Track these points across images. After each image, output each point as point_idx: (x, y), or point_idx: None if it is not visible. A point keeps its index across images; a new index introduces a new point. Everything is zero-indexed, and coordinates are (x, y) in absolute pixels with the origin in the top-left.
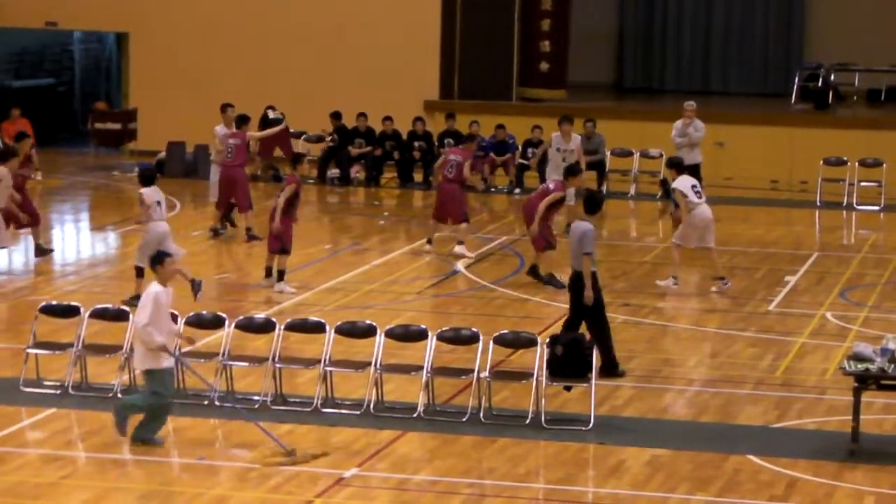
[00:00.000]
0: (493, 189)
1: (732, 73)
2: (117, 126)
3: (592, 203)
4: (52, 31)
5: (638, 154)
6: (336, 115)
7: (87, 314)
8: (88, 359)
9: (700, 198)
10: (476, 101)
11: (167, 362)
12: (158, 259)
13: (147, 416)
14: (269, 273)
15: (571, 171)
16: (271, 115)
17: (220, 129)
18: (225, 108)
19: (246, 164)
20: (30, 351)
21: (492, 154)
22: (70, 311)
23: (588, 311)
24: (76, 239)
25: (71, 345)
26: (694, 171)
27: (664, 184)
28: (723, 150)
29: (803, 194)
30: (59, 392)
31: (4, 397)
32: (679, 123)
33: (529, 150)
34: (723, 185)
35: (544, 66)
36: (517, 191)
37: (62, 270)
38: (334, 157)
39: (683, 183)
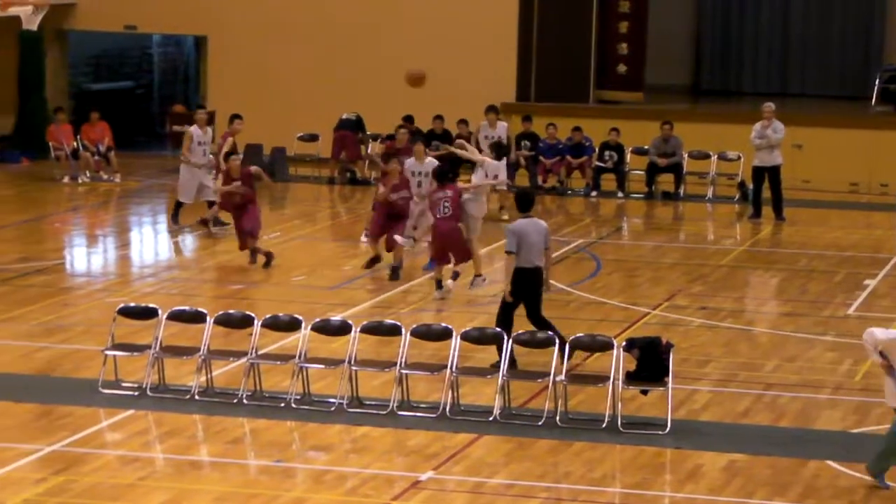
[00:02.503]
0: (569, 191)
1: (810, 76)
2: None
3: (527, 200)
4: (131, 35)
5: (715, 157)
6: (408, 119)
7: (164, 316)
8: (166, 360)
9: None
10: (553, 103)
11: None
12: None
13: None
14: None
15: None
16: (345, 116)
17: (195, 129)
18: (197, 109)
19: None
20: (108, 352)
21: (568, 156)
22: (148, 313)
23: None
24: (154, 241)
25: (149, 346)
26: (774, 173)
27: (742, 186)
28: (801, 153)
29: (883, 197)
30: (136, 394)
31: (83, 399)
32: (758, 125)
33: (606, 152)
34: (801, 188)
35: (621, 68)
36: (594, 193)
37: (140, 272)
38: None
39: None
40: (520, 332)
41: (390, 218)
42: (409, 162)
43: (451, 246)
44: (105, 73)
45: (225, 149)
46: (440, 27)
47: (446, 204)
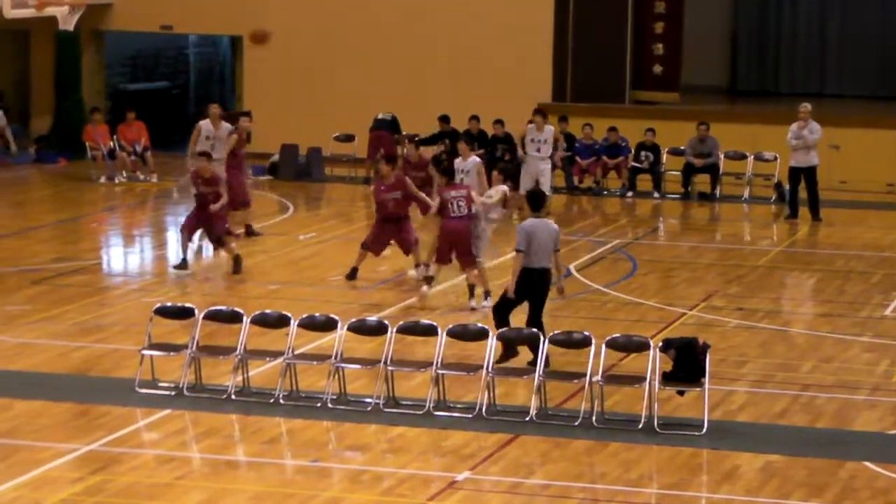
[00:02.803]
0: (605, 192)
1: (848, 76)
2: (231, 129)
3: (538, 200)
4: (168, 35)
5: (752, 157)
6: (444, 119)
7: (201, 316)
8: (202, 360)
9: None
10: (589, 103)
11: None
12: None
13: None
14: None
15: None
16: (381, 116)
17: (205, 123)
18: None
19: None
20: (145, 352)
21: (604, 157)
22: (184, 313)
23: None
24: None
25: (185, 346)
26: (810, 173)
27: (778, 187)
28: (838, 154)
29: None
30: (173, 393)
31: (120, 398)
32: (794, 126)
33: (642, 153)
34: (838, 189)
35: (657, 68)
36: (630, 194)
37: (176, 272)
38: (446, 160)
39: None
40: (556, 332)
41: (386, 222)
42: (456, 161)
43: (459, 246)
44: (141, 73)
45: (227, 147)
46: (476, 27)
47: (460, 203)
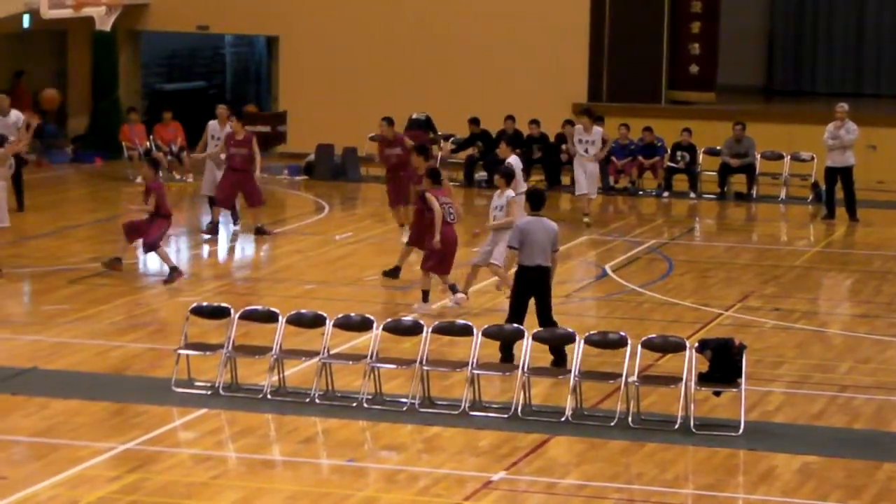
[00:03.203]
0: (640, 192)
1: (885, 76)
2: (267, 129)
3: (538, 199)
4: (204, 35)
5: (788, 157)
6: (474, 122)
7: (236, 316)
8: (238, 360)
9: None
10: (624, 103)
11: None
12: None
13: None
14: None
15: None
16: (415, 116)
17: (213, 124)
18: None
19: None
20: (181, 352)
21: (640, 157)
22: (220, 313)
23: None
24: (225, 241)
25: (221, 346)
26: (846, 173)
27: (815, 187)
28: (875, 154)
29: None
30: (209, 393)
31: (157, 397)
32: (831, 126)
33: (678, 153)
34: (875, 189)
35: (694, 68)
36: (665, 194)
37: (212, 272)
38: (481, 161)
39: None
40: (592, 332)
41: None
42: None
43: (454, 254)
44: (177, 73)
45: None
46: (511, 27)
47: (451, 210)
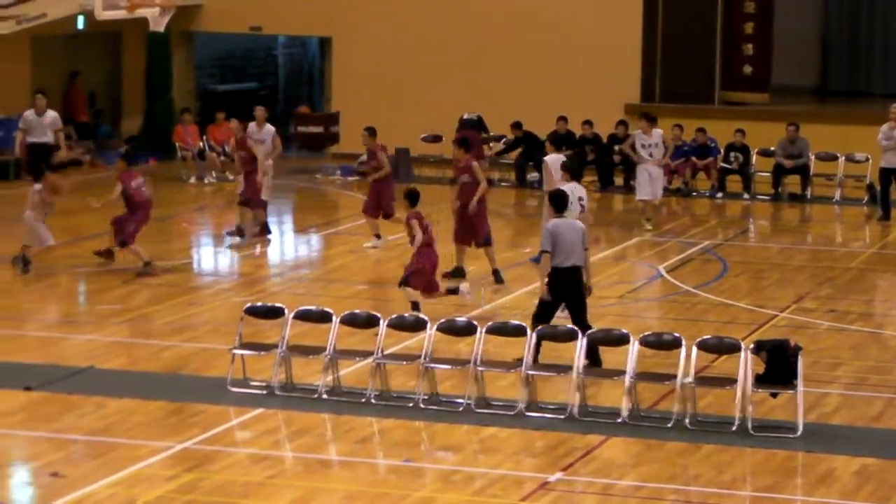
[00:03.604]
0: (694, 193)
1: None
2: (319, 129)
3: (561, 201)
4: (257, 36)
5: (843, 158)
6: (517, 126)
7: (291, 315)
8: (293, 360)
9: None
10: (677, 104)
11: None
12: None
13: None
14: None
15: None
16: (466, 116)
17: (251, 126)
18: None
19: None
20: (236, 351)
21: (693, 158)
22: (274, 313)
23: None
24: (279, 241)
25: (276, 346)
26: None
27: (871, 188)
28: None
29: None
30: (265, 392)
31: (213, 397)
32: (885, 126)
33: (732, 154)
34: None
35: (747, 69)
36: (719, 195)
37: (267, 272)
38: (532, 161)
39: None
40: (646, 333)
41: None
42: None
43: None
44: (230, 74)
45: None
46: (564, 27)
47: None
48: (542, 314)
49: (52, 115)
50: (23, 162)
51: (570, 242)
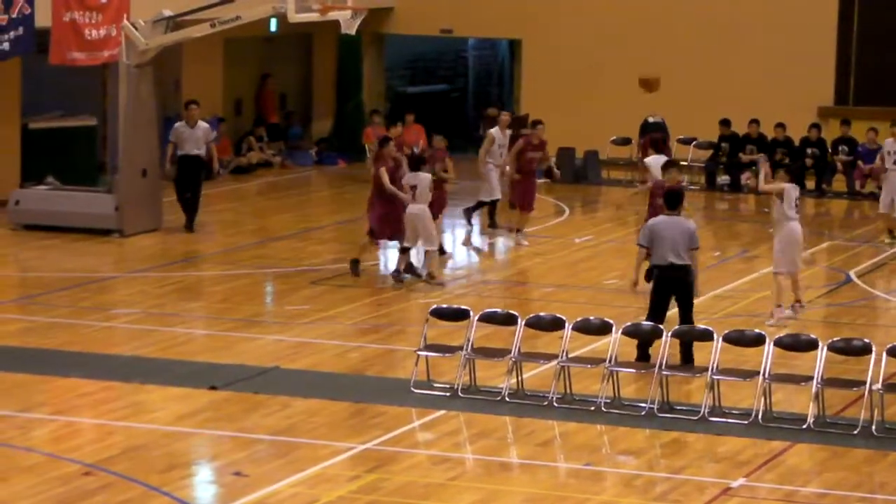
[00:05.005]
0: None
1: None
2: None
3: (675, 199)
4: (447, 38)
5: None
6: (725, 123)
7: (476, 318)
8: (477, 362)
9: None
10: (873, 107)
11: None
12: None
13: None
14: None
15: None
16: (651, 119)
17: (496, 132)
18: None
19: None
20: (421, 353)
21: None
22: (460, 315)
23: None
24: (467, 243)
25: (460, 348)
26: None
27: None
28: None
29: None
30: (448, 394)
31: (396, 398)
32: None
33: None
34: None
35: None
36: None
37: (453, 274)
38: (724, 164)
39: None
40: (835, 339)
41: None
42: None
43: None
44: (421, 76)
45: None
46: (757, 29)
47: None
48: (652, 311)
49: (203, 126)
50: (170, 176)
51: (670, 240)
